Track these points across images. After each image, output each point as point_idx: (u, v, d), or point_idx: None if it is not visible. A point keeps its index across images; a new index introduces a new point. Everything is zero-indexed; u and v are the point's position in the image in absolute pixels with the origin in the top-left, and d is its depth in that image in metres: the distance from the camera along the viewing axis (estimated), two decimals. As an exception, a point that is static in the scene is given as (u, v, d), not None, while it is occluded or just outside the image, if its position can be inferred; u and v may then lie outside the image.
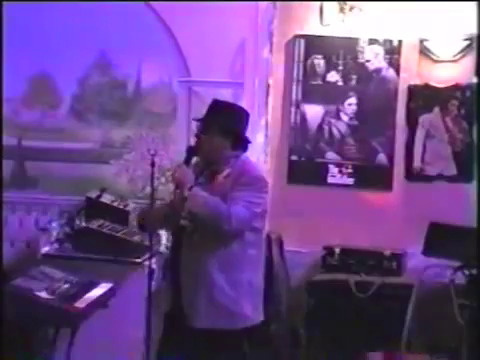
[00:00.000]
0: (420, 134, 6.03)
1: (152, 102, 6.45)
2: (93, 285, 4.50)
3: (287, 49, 6.14)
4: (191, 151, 3.95)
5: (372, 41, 6.03)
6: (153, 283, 4.97)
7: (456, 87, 5.95)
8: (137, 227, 4.34)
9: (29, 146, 6.56)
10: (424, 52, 5.97)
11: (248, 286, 3.85)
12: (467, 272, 4.89)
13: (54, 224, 5.53)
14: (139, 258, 5.19)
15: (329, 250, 5.88)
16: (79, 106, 6.55)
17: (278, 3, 6.05)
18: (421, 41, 5.96)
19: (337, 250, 5.87)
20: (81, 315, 4.20)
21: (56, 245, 5.41)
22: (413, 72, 6.02)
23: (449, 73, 5.95)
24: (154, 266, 5.07)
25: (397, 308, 5.35)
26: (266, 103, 6.07)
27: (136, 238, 5.39)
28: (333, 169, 6.11)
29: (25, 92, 6.55)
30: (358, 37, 6.03)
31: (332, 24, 6.04)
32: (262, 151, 6.01)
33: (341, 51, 6.06)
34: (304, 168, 6.15)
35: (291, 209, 6.01)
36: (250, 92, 5.99)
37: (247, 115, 4.04)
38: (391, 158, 6.06)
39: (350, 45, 6.05)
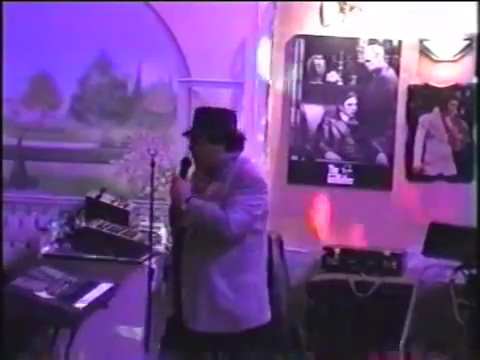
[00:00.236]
0: (420, 134, 6.03)
1: (152, 102, 6.45)
2: (93, 285, 4.50)
3: (287, 49, 6.15)
4: (186, 163, 3.95)
5: (372, 41, 6.04)
6: (153, 283, 4.98)
7: (456, 87, 5.95)
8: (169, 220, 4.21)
9: (29, 146, 6.55)
10: (424, 52, 5.97)
11: (250, 288, 3.84)
12: (467, 272, 4.89)
13: (54, 224, 5.54)
14: (139, 258, 5.19)
15: (329, 250, 5.88)
16: (79, 106, 6.54)
17: (278, 3, 6.05)
18: (421, 41, 5.96)
19: (337, 250, 5.87)
20: (81, 315, 4.20)
21: (56, 245, 5.42)
22: (413, 72, 6.02)
23: (449, 73, 5.95)
24: (154, 266, 5.09)
25: (397, 308, 5.36)
26: (266, 103, 6.07)
27: (136, 238, 5.39)
28: (333, 169, 6.11)
29: (25, 92, 6.54)
30: (358, 37, 6.04)
31: (332, 24, 6.04)
32: (262, 151, 6.02)
33: (341, 51, 6.06)
34: (304, 168, 6.15)
35: (291, 209, 6.01)
36: (250, 92, 5.99)
37: (234, 115, 4.02)
38: (391, 158, 6.06)
39: (350, 45, 6.05)
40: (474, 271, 4.81)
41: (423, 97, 6.01)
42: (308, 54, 6.10)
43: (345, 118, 6.10)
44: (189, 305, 3.83)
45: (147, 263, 5.10)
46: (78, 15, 6.17)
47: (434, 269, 5.27)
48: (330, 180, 6.12)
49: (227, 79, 6.01)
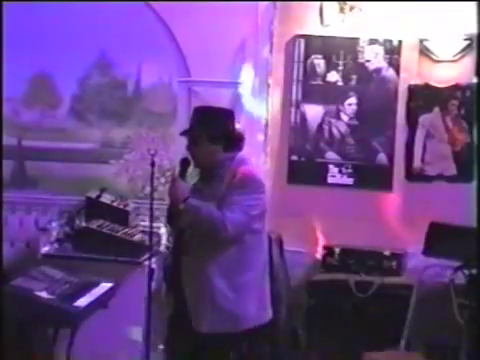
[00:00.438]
0: (420, 134, 6.03)
1: (152, 102, 6.44)
2: (93, 285, 4.50)
3: (287, 49, 6.15)
4: (185, 163, 3.95)
5: (372, 41, 6.04)
6: (153, 283, 4.98)
7: (456, 87, 5.95)
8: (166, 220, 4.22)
9: (29, 146, 6.53)
10: (424, 52, 5.97)
11: (251, 287, 3.84)
12: (467, 272, 4.88)
13: (54, 224, 5.54)
14: (139, 258, 5.19)
15: (329, 250, 5.89)
16: (79, 106, 6.53)
17: (278, 3, 6.05)
18: (421, 41, 5.96)
19: (337, 250, 5.87)
20: (81, 315, 4.20)
21: (56, 245, 5.42)
22: (413, 72, 6.02)
23: (449, 73, 5.95)
24: (154, 266, 5.09)
25: (397, 308, 5.36)
26: (266, 103, 6.07)
27: (136, 238, 5.39)
28: (333, 169, 6.11)
29: (25, 92, 6.53)
30: (358, 37, 6.04)
31: (332, 24, 6.04)
32: (262, 151, 6.02)
33: (341, 51, 6.06)
34: (304, 168, 6.15)
35: (291, 209, 6.01)
36: (250, 92, 5.99)
37: (232, 115, 4.02)
38: (391, 158, 6.06)
39: (350, 45, 6.05)
40: (474, 271, 4.81)
41: (423, 97, 6.01)
42: (308, 54, 6.11)
43: (345, 118, 6.10)
44: (189, 304, 3.84)
45: (147, 263, 5.09)
46: (78, 15, 6.17)
47: (434, 269, 5.27)
48: (330, 180, 6.12)
49: (227, 79, 6.01)
